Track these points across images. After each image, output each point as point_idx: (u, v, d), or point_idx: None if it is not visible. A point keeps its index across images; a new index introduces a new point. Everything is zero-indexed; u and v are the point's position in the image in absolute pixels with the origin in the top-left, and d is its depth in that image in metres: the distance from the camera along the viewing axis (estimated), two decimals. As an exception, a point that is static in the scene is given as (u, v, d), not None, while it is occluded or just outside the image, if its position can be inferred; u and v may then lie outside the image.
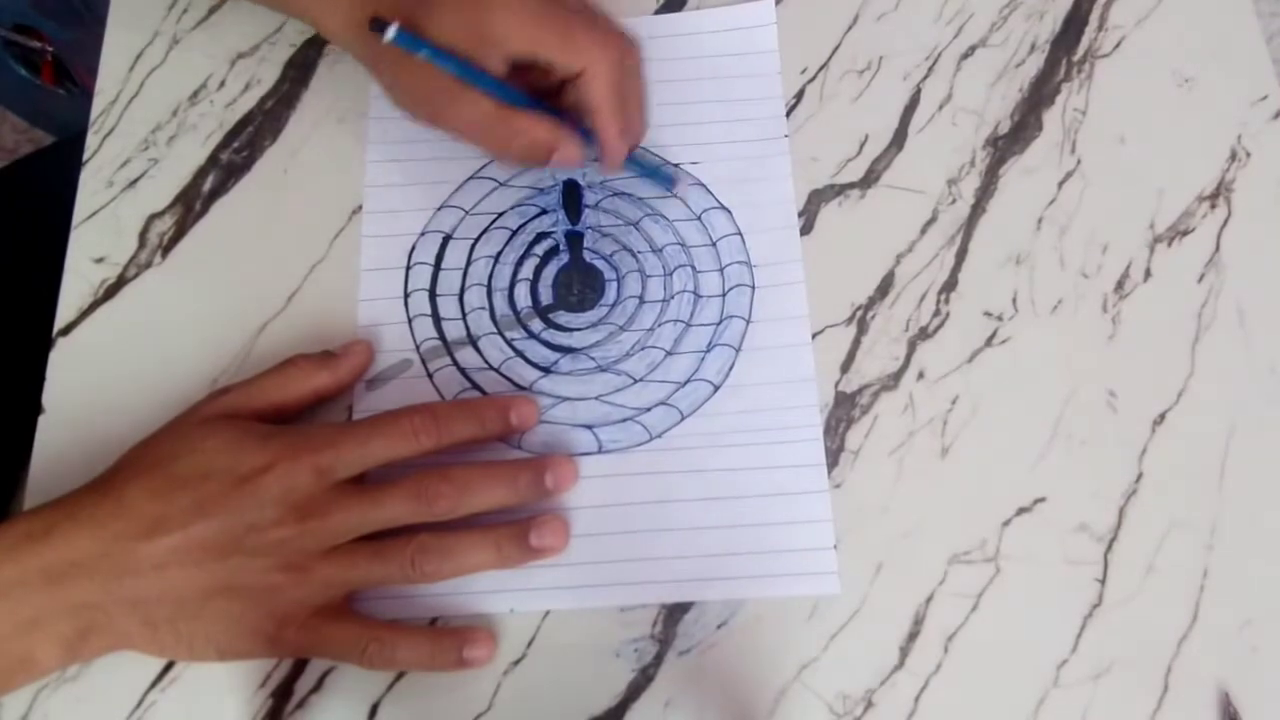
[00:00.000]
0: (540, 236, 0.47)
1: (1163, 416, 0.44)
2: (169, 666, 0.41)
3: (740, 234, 0.47)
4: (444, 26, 0.40)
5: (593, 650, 0.41)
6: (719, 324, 0.46)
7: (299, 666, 0.41)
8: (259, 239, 0.48)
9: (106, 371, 0.45)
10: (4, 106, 1.13)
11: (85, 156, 0.49)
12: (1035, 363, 0.45)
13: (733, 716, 0.40)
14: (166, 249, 0.48)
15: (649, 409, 0.44)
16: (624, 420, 0.44)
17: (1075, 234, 0.47)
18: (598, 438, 0.44)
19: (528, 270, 0.47)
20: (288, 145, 0.50)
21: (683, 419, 0.44)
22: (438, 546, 0.39)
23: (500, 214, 0.47)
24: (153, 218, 0.48)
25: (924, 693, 0.40)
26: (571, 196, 0.48)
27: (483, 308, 0.46)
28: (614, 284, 0.47)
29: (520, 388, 0.45)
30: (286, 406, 0.43)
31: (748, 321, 0.46)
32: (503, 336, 0.45)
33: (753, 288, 0.46)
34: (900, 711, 0.40)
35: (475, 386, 0.45)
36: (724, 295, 0.46)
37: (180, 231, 0.48)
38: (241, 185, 0.49)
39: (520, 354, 0.45)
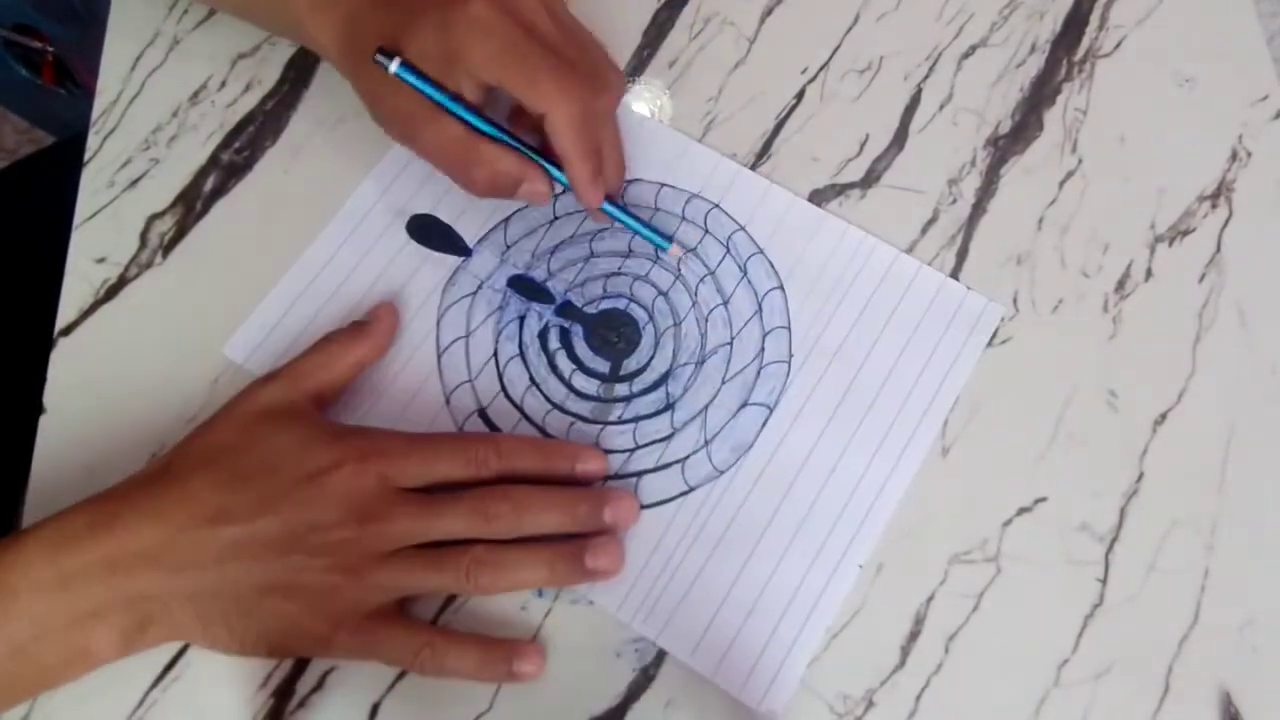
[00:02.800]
0: (544, 334, 0.46)
1: (1164, 416, 0.44)
2: (170, 666, 0.41)
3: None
4: (420, 46, 0.41)
5: (594, 650, 0.41)
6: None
7: (300, 666, 0.41)
8: (260, 239, 0.48)
9: (107, 371, 0.46)
10: (4, 107, 1.13)
11: (86, 157, 0.49)
12: (1036, 363, 0.45)
13: (733, 716, 0.40)
14: (167, 249, 0.48)
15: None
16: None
17: (1076, 234, 0.47)
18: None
19: (565, 368, 0.45)
20: (288, 145, 0.50)
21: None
22: (493, 560, 0.39)
23: (494, 353, 0.46)
24: (153, 218, 0.48)
25: (925, 692, 0.40)
26: (527, 289, 0.46)
27: (573, 422, 0.45)
28: (631, 303, 0.46)
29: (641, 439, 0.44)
30: (333, 383, 0.43)
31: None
32: (603, 424, 0.44)
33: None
34: (901, 711, 0.40)
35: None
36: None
37: (181, 231, 0.48)
38: (242, 185, 0.49)
39: (640, 418, 0.44)
